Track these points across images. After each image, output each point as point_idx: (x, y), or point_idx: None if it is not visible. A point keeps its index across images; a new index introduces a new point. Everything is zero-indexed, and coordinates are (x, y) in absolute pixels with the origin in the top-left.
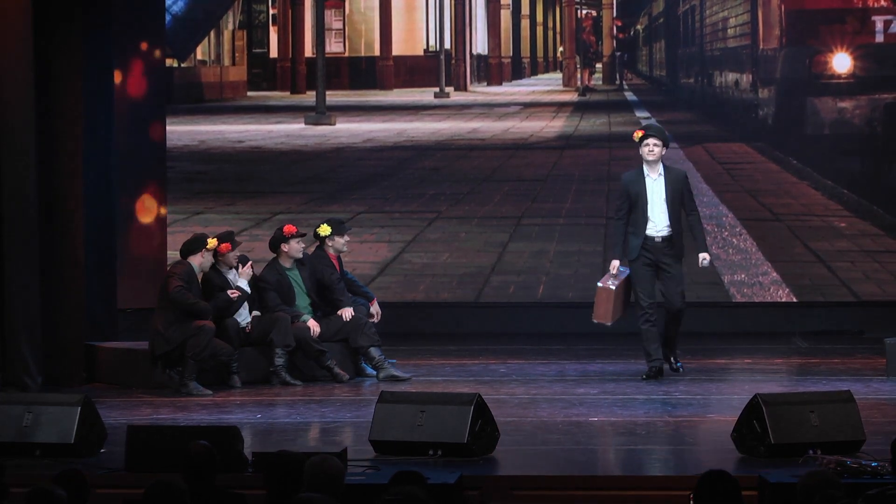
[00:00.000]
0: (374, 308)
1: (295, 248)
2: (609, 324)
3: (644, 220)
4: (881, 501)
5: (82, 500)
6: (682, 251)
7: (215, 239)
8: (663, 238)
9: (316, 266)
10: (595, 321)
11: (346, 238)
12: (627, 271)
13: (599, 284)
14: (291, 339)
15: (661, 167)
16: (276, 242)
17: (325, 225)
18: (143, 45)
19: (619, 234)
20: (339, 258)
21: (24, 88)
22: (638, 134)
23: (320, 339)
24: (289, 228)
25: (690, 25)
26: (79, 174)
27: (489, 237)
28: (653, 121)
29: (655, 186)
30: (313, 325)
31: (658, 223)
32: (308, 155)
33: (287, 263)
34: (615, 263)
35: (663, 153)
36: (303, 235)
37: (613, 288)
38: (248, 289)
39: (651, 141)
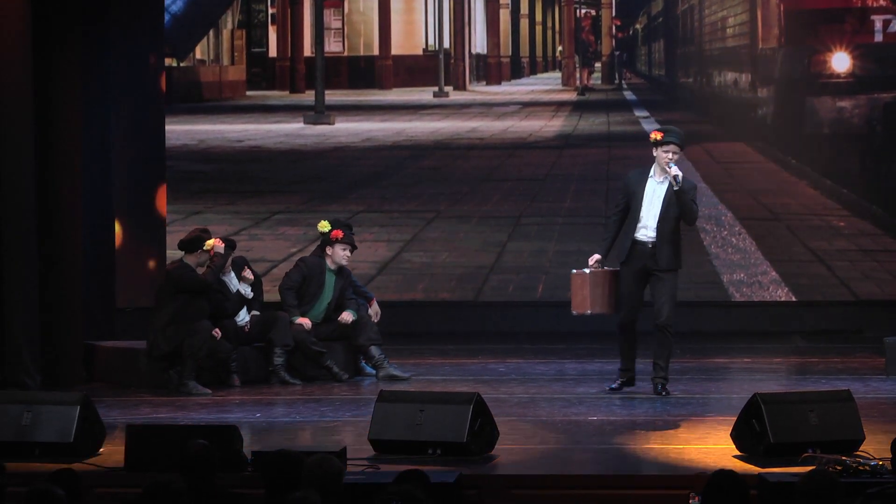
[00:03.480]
0: (374, 308)
1: (339, 253)
2: (589, 313)
3: (635, 221)
4: (881, 500)
5: (76, 499)
6: (676, 263)
7: (213, 240)
8: (653, 244)
9: (346, 285)
10: (574, 313)
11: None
12: (612, 269)
13: (574, 271)
14: (290, 339)
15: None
16: (324, 244)
17: (326, 222)
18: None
19: (608, 230)
20: None
21: (22, 89)
22: (657, 135)
23: (320, 338)
24: (335, 233)
25: (689, 25)
26: (77, 174)
27: (488, 236)
28: (651, 120)
29: (657, 190)
30: (304, 321)
31: (649, 228)
32: (307, 154)
33: (331, 266)
34: (595, 257)
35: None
36: (350, 244)
37: (588, 272)
38: (249, 293)
39: (672, 148)
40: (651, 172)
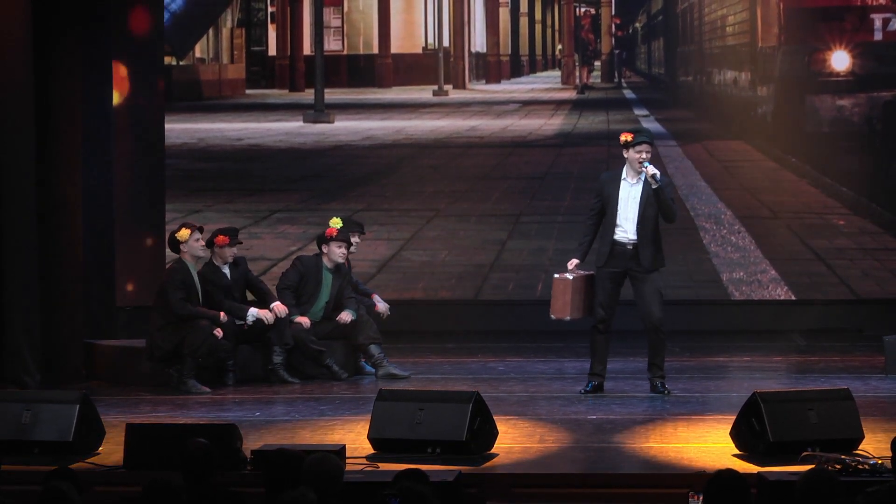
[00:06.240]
0: (383, 305)
1: (335, 251)
2: (568, 318)
3: (612, 224)
4: (880, 499)
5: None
6: (658, 262)
7: (186, 230)
8: (633, 245)
9: (345, 284)
10: (553, 317)
11: (356, 239)
12: (589, 273)
13: (556, 276)
14: (289, 338)
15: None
16: (319, 243)
17: (338, 218)
18: None
19: (584, 233)
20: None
21: (22, 87)
22: (627, 137)
23: (319, 337)
24: (329, 231)
25: (689, 23)
26: (78, 172)
27: (488, 235)
28: (651, 118)
29: (631, 192)
30: (303, 320)
31: (628, 230)
32: (307, 153)
33: (329, 264)
34: (574, 261)
35: None
36: (345, 241)
37: (571, 278)
38: (251, 321)
39: (645, 147)
40: (623, 174)
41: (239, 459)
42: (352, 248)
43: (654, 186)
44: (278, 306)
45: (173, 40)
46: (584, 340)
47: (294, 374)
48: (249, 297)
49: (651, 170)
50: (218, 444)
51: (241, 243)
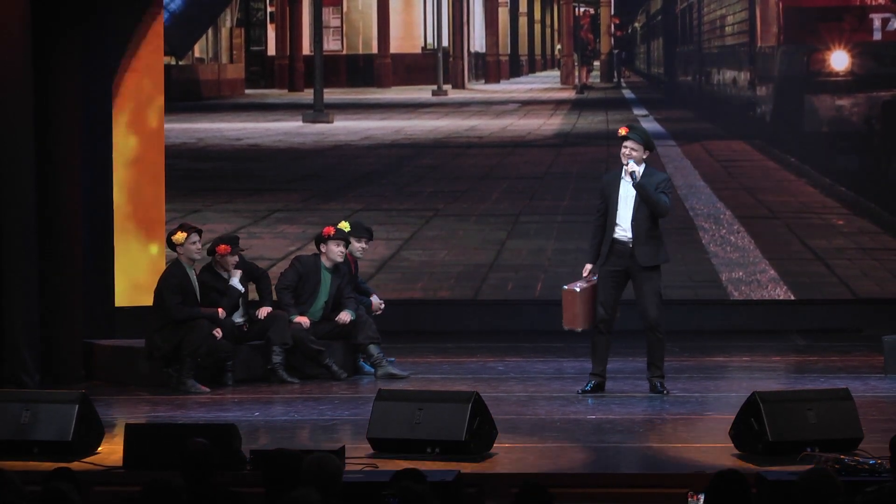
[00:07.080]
0: (376, 299)
1: (333, 250)
2: (580, 329)
3: (612, 223)
4: (879, 499)
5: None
6: (656, 259)
7: (182, 232)
8: (632, 243)
9: (344, 284)
10: (565, 328)
11: (363, 244)
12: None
13: (565, 287)
14: (289, 338)
15: (640, 170)
16: (317, 242)
17: (346, 223)
18: None
19: (592, 235)
20: (355, 261)
21: (22, 90)
22: (622, 131)
23: (318, 336)
24: (327, 230)
25: (688, 23)
26: (77, 174)
27: (487, 234)
28: (650, 118)
29: (629, 190)
30: (302, 320)
31: (626, 228)
32: (306, 153)
33: (327, 264)
34: (588, 267)
35: (644, 157)
36: (344, 240)
37: (578, 290)
38: (240, 287)
39: (629, 144)
40: (622, 174)
41: (238, 459)
42: (358, 254)
43: (632, 183)
44: (263, 311)
45: (172, 40)
46: (584, 341)
47: (293, 373)
48: (251, 296)
49: (631, 167)
50: (217, 444)
51: (244, 251)
